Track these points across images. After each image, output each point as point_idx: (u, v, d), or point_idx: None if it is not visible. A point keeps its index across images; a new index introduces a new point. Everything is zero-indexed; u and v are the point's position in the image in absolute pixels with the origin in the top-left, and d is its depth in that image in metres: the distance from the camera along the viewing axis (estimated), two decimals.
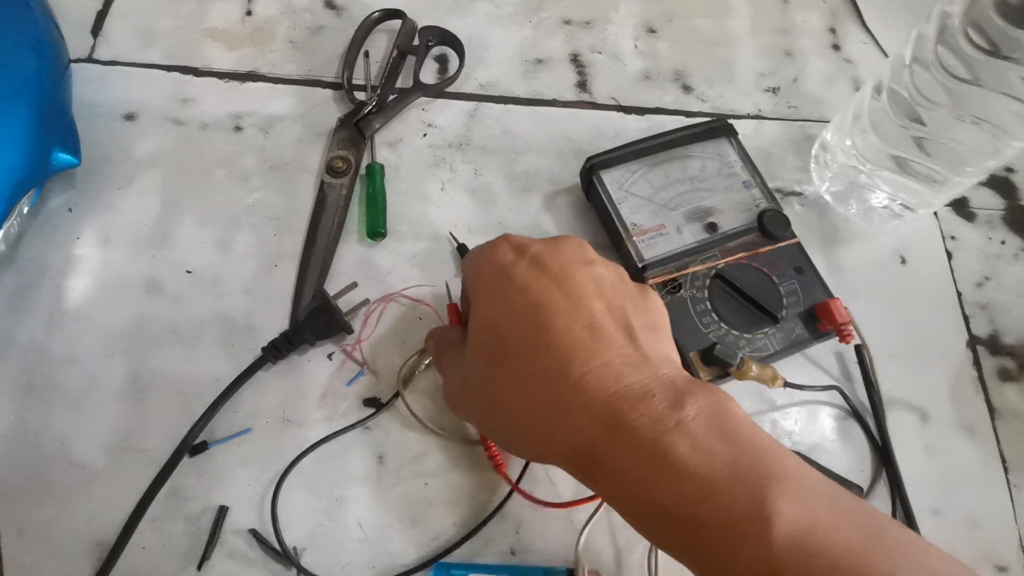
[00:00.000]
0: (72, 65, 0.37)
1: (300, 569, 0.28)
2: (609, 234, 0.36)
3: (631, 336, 0.21)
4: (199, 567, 0.29)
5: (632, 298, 0.23)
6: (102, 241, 0.35)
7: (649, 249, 0.34)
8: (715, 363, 0.31)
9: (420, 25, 0.42)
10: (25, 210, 0.32)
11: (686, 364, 0.31)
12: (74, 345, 0.32)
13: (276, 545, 0.29)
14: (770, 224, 0.35)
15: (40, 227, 0.35)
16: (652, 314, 0.23)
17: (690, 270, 0.33)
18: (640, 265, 0.33)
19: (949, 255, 0.40)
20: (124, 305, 0.33)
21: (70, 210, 0.36)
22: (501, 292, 0.22)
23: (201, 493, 0.30)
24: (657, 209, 0.35)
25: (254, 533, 0.29)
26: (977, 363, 0.37)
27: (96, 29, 0.41)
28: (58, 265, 0.34)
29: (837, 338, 0.33)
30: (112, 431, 0.31)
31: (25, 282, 0.34)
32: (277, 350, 0.32)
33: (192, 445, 0.30)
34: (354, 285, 0.31)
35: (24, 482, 0.30)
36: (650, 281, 0.33)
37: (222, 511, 0.29)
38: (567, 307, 0.21)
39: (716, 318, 0.33)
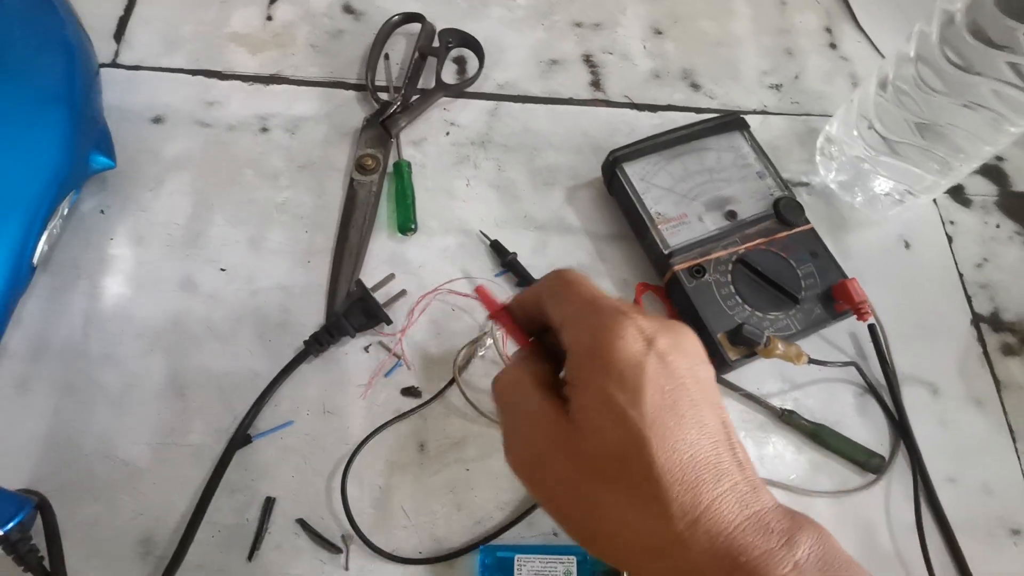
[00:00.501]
0: (100, 70, 0.37)
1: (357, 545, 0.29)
2: (633, 224, 0.37)
3: (744, 454, 0.20)
4: (249, 557, 0.29)
5: (720, 396, 0.22)
6: (135, 241, 0.35)
7: (673, 236, 0.35)
8: (743, 342, 0.32)
9: (439, 28, 0.43)
10: (66, 211, 0.33)
11: (715, 345, 0.33)
12: (112, 344, 0.33)
13: (330, 534, 0.29)
14: (786, 211, 0.36)
15: (74, 229, 0.35)
16: (724, 406, 0.22)
17: (713, 256, 0.35)
18: (666, 252, 0.35)
19: (949, 239, 0.42)
20: (160, 304, 0.34)
21: (102, 212, 0.36)
22: (635, 384, 0.19)
23: (247, 485, 0.30)
24: (678, 199, 0.37)
25: (302, 523, 0.30)
26: (981, 339, 0.38)
27: (119, 35, 0.42)
28: (92, 266, 0.34)
29: (854, 317, 0.35)
30: (155, 427, 0.31)
31: (60, 284, 0.34)
32: (319, 343, 0.32)
33: (240, 439, 0.30)
34: (391, 277, 0.32)
35: (67, 480, 0.30)
36: (676, 267, 0.34)
37: (269, 502, 0.30)
38: (695, 418, 0.19)
39: (740, 300, 0.34)
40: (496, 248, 0.36)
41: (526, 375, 0.23)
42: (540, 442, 0.21)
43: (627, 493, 0.19)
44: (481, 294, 0.27)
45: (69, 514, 0.29)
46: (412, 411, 0.32)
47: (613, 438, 0.19)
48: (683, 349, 0.21)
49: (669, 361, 0.20)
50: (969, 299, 0.40)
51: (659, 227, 0.35)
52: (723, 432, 0.20)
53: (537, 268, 0.37)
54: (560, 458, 0.20)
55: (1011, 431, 0.36)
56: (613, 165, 0.37)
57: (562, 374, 0.22)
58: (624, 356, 0.20)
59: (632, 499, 0.19)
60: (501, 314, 0.25)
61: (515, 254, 0.36)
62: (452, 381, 0.33)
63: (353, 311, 0.33)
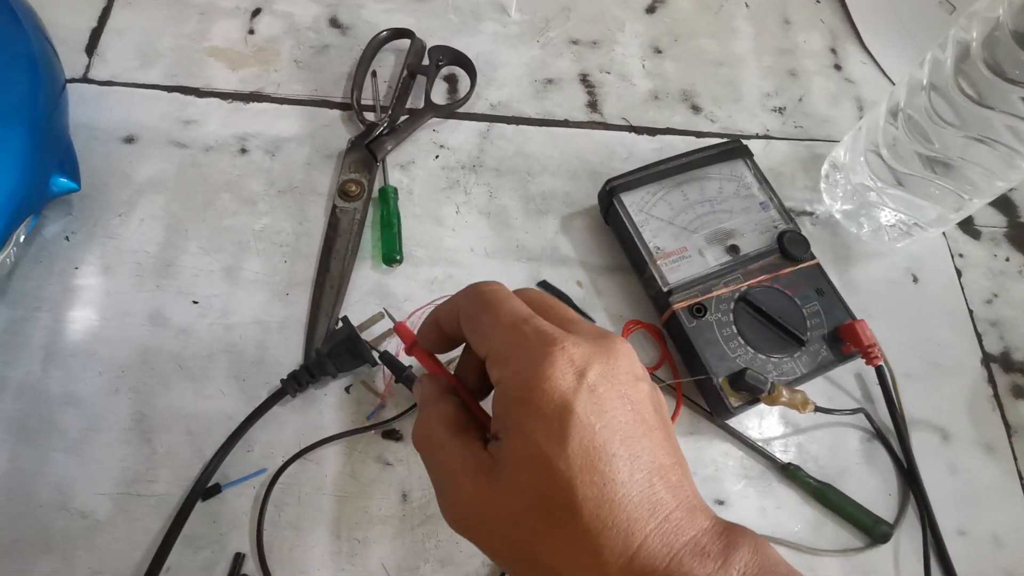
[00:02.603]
0: (67, 86, 0.35)
1: None
2: (631, 257, 0.36)
3: (681, 472, 0.20)
4: None
5: (661, 408, 0.21)
6: (102, 271, 0.33)
7: (673, 273, 0.33)
8: (745, 388, 0.30)
9: (429, 45, 0.41)
10: (22, 238, 0.31)
11: (716, 390, 0.31)
12: (74, 383, 0.30)
13: None
14: (790, 245, 0.35)
15: (36, 257, 0.33)
16: (670, 424, 0.22)
17: (714, 293, 0.33)
18: (665, 290, 0.33)
19: (959, 273, 0.40)
20: (127, 339, 0.32)
21: (67, 238, 0.34)
22: (561, 429, 0.18)
23: (216, 539, 0.28)
24: (678, 232, 0.35)
25: None
26: (992, 380, 0.37)
27: (91, 48, 0.40)
28: (55, 297, 0.32)
29: (862, 359, 0.33)
30: (117, 476, 0.29)
31: (19, 316, 0.32)
32: (298, 382, 0.30)
33: (204, 488, 0.28)
34: (380, 316, 0.30)
35: (19, 534, 0.28)
36: (676, 306, 0.32)
37: (238, 559, 0.28)
38: (627, 453, 0.19)
39: (743, 342, 0.32)
40: (387, 361, 0.30)
41: (439, 424, 0.22)
42: (469, 492, 0.20)
43: (560, 539, 0.19)
44: (400, 331, 0.25)
45: (21, 571, 0.27)
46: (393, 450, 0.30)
47: (540, 488, 0.19)
48: (615, 374, 0.20)
49: (601, 393, 0.19)
50: (979, 337, 0.38)
51: (658, 262, 0.34)
52: (657, 457, 0.19)
53: None
54: (491, 508, 0.20)
55: (1021, 478, 0.34)
56: (610, 195, 0.35)
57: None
58: (552, 400, 0.19)
59: (565, 545, 0.18)
60: (417, 350, 0.23)
61: (410, 367, 0.30)
62: None
63: (338, 351, 0.31)
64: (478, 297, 0.21)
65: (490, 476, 0.20)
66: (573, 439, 0.18)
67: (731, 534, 0.19)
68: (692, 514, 0.19)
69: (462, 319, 0.22)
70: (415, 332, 0.24)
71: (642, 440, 0.19)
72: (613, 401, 0.19)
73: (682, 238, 0.35)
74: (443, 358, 0.24)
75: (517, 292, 0.23)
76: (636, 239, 0.34)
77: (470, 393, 0.23)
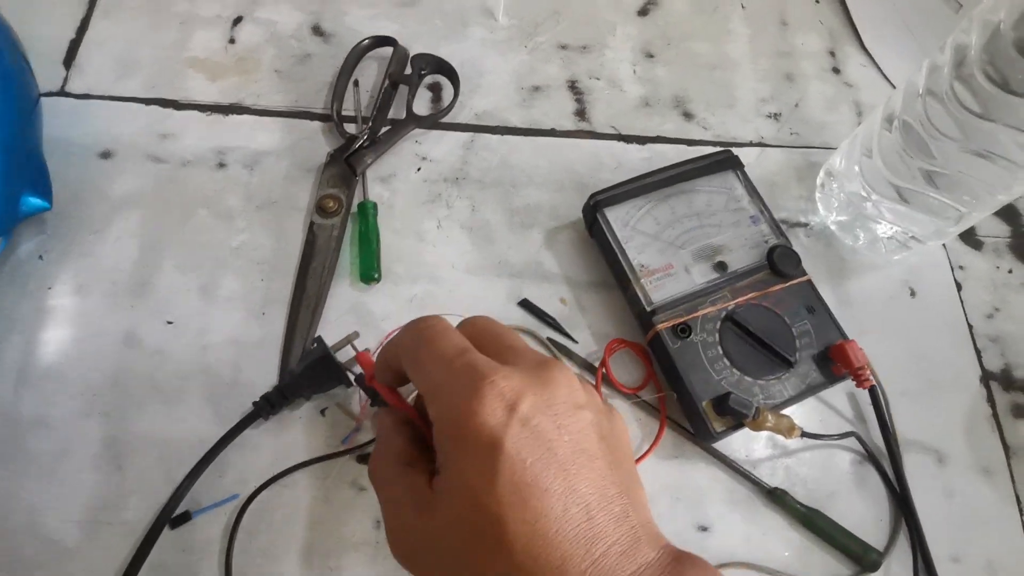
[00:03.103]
0: (42, 99, 0.34)
1: None
2: (615, 274, 0.35)
3: (628, 501, 0.19)
4: None
5: (609, 435, 0.21)
6: (76, 290, 0.33)
7: (658, 291, 0.32)
8: (729, 412, 0.29)
9: (412, 52, 0.41)
10: None
11: (699, 414, 0.30)
12: (46, 406, 0.30)
13: None
14: (780, 262, 0.34)
15: (9, 277, 0.33)
16: (623, 450, 0.21)
17: (700, 312, 0.32)
18: (649, 309, 0.32)
19: (959, 286, 0.39)
20: (100, 361, 0.31)
21: (41, 257, 0.33)
22: (491, 465, 0.18)
23: (186, 568, 0.28)
24: (664, 247, 0.34)
25: None
26: (991, 399, 0.36)
27: (69, 60, 0.39)
28: (28, 318, 0.32)
29: (852, 381, 0.32)
30: (87, 502, 0.29)
31: None
32: (270, 404, 0.30)
33: (173, 516, 0.28)
34: (355, 335, 0.30)
35: None
36: (659, 326, 0.31)
37: None
38: (563, 486, 0.18)
39: (728, 363, 0.31)
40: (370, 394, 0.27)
41: (388, 458, 0.22)
42: (411, 525, 0.20)
43: (496, 574, 0.19)
44: (361, 361, 0.25)
45: None
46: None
47: (473, 523, 0.19)
48: (551, 404, 0.19)
49: (534, 425, 0.19)
50: (979, 353, 0.37)
51: (642, 280, 0.33)
52: (599, 488, 0.19)
53: (510, 319, 0.34)
54: (430, 541, 0.20)
55: (1019, 502, 0.33)
56: (594, 210, 0.34)
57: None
58: (480, 436, 0.19)
59: (510, 569, 0.18)
60: (375, 382, 0.23)
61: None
62: None
63: (311, 372, 0.30)
64: (417, 333, 0.21)
65: (431, 509, 0.20)
66: (502, 475, 0.18)
67: (677, 566, 0.18)
68: (635, 547, 0.18)
69: (402, 355, 0.22)
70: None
71: (581, 472, 0.19)
72: (549, 433, 0.19)
73: (668, 254, 0.34)
74: (406, 388, 0.23)
75: (463, 323, 0.23)
76: (620, 256, 0.33)
77: (428, 425, 0.22)
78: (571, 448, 0.19)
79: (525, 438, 0.19)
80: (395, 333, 0.33)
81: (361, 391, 0.30)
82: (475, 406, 0.19)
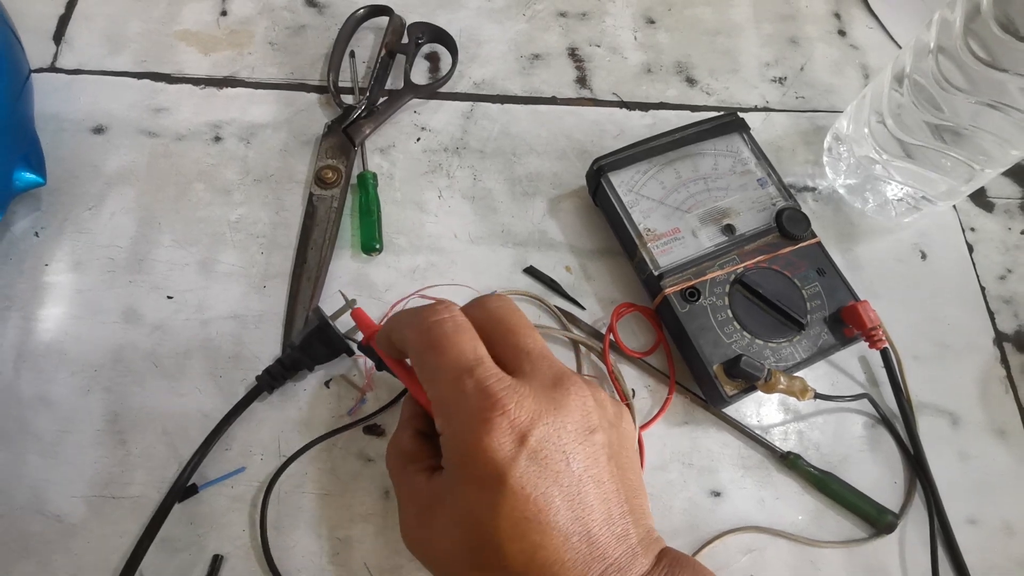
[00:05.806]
0: (33, 76, 0.34)
1: None
2: (621, 240, 0.34)
3: (632, 518, 0.20)
4: None
5: (620, 452, 0.21)
6: (73, 267, 0.32)
7: (665, 255, 0.32)
8: (741, 376, 0.29)
9: (409, 21, 0.40)
10: None
11: (710, 378, 0.29)
12: (46, 384, 0.30)
13: None
14: (789, 224, 0.33)
15: (5, 254, 0.32)
16: (630, 459, 0.21)
17: (708, 276, 0.31)
18: (656, 273, 0.31)
19: (970, 248, 0.38)
20: (100, 337, 0.31)
21: (36, 234, 0.33)
22: (494, 498, 0.18)
23: (193, 541, 0.27)
24: (670, 212, 0.33)
25: None
26: (1005, 361, 0.35)
27: (59, 35, 0.38)
28: (25, 295, 0.31)
29: (865, 342, 0.31)
30: (91, 478, 0.28)
31: None
32: (272, 378, 0.29)
33: (182, 490, 0.27)
34: (353, 303, 0.29)
35: None
36: (668, 290, 0.31)
37: (216, 561, 0.27)
38: (567, 517, 0.18)
39: (738, 327, 0.31)
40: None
41: (394, 454, 0.23)
42: (413, 527, 0.21)
43: None
44: (358, 318, 0.25)
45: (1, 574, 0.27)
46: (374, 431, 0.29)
47: (472, 545, 0.19)
48: (562, 434, 0.19)
49: (543, 457, 0.19)
50: (992, 315, 0.36)
51: (648, 245, 0.32)
52: (605, 510, 0.19)
53: (515, 286, 0.34)
54: (430, 547, 0.20)
55: None
56: (597, 175, 0.33)
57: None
58: (487, 469, 0.18)
59: None
60: (374, 344, 0.23)
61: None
62: None
63: (311, 342, 0.29)
64: (426, 333, 0.21)
65: (431, 517, 0.20)
66: (503, 508, 0.18)
67: (670, 571, 0.19)
68: (632, 562, 0.19)
69: (410, 352, 0.21)
70: (378, 324, 0.23)
71: (587, 499, 0.19)
72: (557, 464, 0.19)
73: (674, 219, 0.33)
74: None
75: (475, 304, 0.22)
76: (625, 221, 0.32)
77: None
78: (579, 476, 0.19)
79: (532, 472, 0.18)
80: (401, 305, 0.32)
81: (366, 359, 0.29)
82: (484, 439, 0.18)
